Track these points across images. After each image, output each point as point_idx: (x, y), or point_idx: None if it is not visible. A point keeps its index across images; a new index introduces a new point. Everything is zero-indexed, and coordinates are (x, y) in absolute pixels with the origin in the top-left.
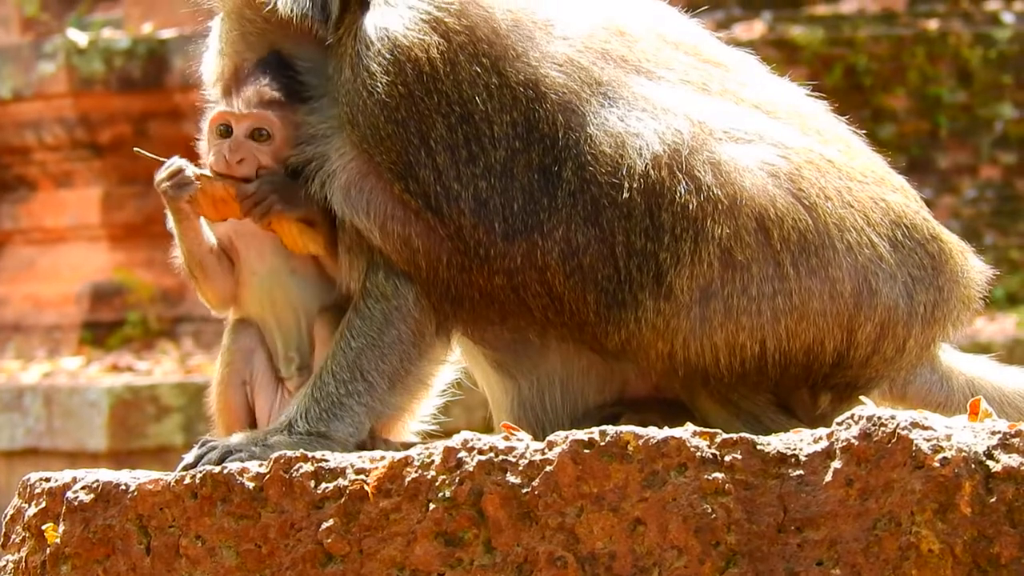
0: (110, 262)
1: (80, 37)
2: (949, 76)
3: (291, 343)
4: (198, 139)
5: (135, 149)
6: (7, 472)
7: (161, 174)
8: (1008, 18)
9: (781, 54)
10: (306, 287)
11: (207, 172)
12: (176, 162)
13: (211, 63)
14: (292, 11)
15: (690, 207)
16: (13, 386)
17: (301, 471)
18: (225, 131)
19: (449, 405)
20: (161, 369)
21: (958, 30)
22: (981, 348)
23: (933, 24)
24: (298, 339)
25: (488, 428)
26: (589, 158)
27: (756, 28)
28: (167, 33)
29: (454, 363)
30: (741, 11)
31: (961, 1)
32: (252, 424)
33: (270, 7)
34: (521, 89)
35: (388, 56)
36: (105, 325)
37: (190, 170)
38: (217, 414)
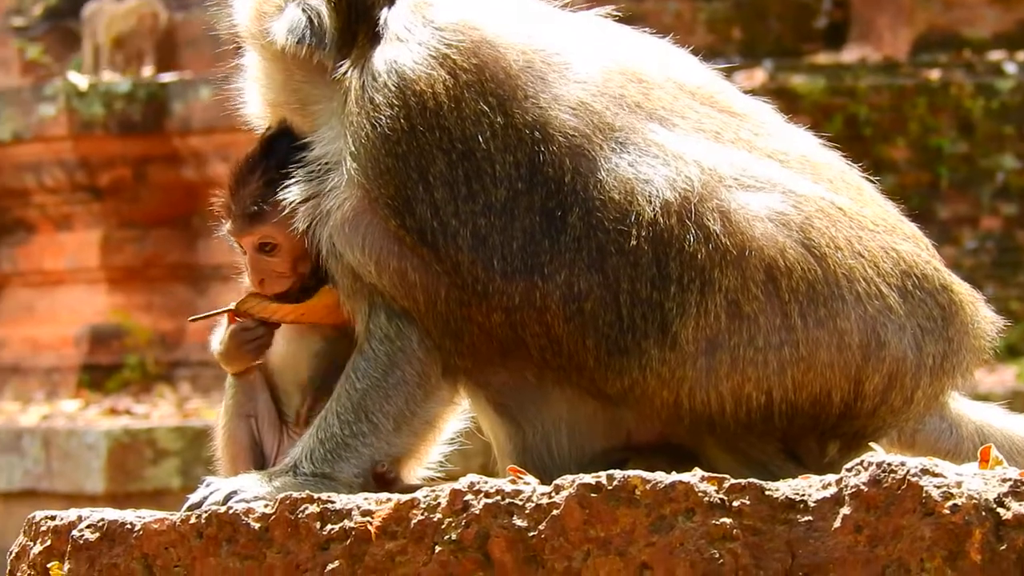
0: (109, 305)
1: (80, 80)
2: (950, 127)
3: (306, 397)
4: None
5: (191, 319)
6: (5, 514)
7: (234, 335)
8: (1010, 69)
9: (781, 103)
10: (328, 364)
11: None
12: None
13: (254, 98)
14: (287, 41)
15: (698, 257)
16: (11, 428)
17: (307, 512)
18: (242, 248)
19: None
20: (159, 413)
21: (960, 80)
22: (981, 399)
23: (935, 74)
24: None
25: (486, 475)
26: (597, 204)
27: (757, 77)
28: (167, 77)
29: (462, 411)
30: (742, 60)
31: (963, 51)
32: (257, 460)
33: (270, 39)
34: (527, 131)
35: (393, 89)
36: (103, 368)
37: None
38: (221, 448)
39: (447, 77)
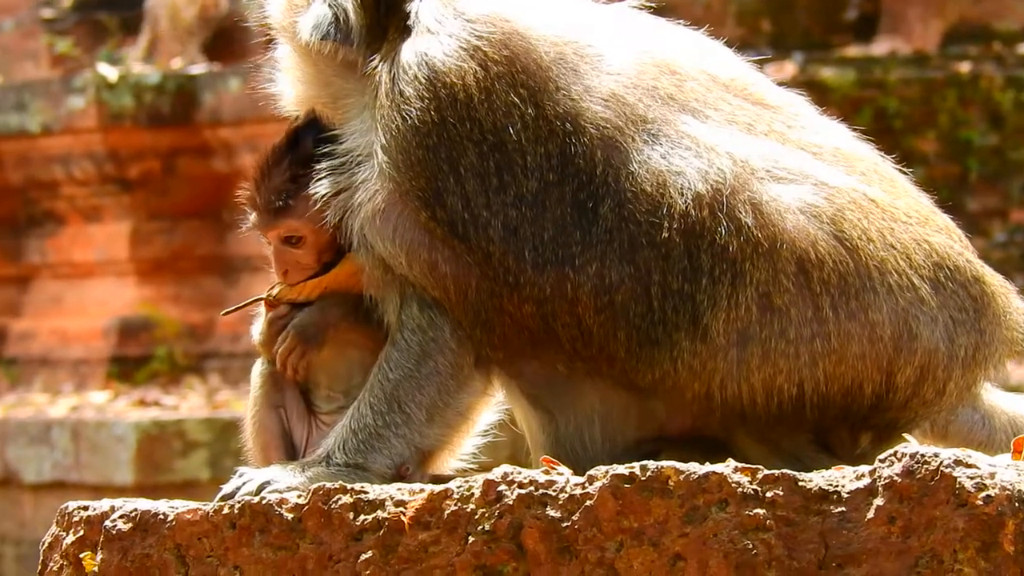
0: (138, 297)
1: (110, 72)
2: (980, 119)
3: (338, 386)
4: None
5: (223, 312)
6: (34, 505)
7: (272, 322)
8: None
9: (811, 96)
10: (363, 362)
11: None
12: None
13: (286, 90)
14: (312, 37)
15: (730, 249)
16: (40, 420)
17: (340, 503)
18: (267, 240)
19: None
20: (188, 404)
21: (990, 73)
22: (1013, 391)
23: (965, 67)
24: (346, 386)
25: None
26: (629, 195)
27: (787, 69)
28: (197, 68)
29: (495, 403)
30: (772, 52)
31: (993, 44)
32: (288, 450)
33: (298, 37)
34: (558, 122)
35: (424, 81)
36: (132, 360)
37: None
38: (251, 438)
39: (477, 69)
